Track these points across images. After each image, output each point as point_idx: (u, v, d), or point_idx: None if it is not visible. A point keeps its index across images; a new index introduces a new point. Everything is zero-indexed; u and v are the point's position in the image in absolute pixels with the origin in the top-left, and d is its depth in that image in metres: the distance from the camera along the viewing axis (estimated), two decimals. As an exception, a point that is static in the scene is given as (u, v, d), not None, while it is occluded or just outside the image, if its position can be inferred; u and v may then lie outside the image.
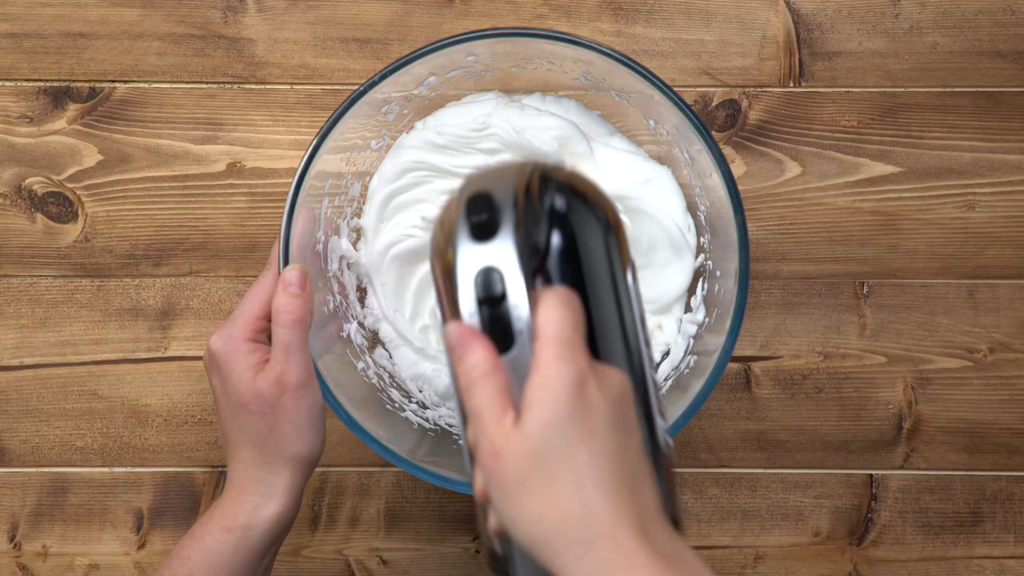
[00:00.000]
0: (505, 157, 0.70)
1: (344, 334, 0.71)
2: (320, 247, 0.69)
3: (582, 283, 0.48)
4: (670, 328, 0.72)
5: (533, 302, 0.46)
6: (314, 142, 0.64)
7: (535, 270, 0.47)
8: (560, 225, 0.48)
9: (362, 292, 0.75)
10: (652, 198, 0.71)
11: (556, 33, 0.64)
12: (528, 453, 0.44)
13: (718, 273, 0.68)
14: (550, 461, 0.44)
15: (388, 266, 0.72)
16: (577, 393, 0.44)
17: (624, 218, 0.70)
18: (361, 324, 0.74)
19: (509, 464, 0.44)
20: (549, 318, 0.45)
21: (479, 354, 0.46)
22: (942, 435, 0.80)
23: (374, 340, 0.75)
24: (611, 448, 0.45)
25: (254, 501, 0.63)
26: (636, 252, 0.71)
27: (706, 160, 0.65)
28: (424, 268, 0.72)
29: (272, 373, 0.61)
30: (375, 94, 0.65)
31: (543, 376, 0.45)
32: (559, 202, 0.48)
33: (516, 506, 0.44)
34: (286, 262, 0.64)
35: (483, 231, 0.47)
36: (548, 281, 0.47)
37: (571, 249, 0.48)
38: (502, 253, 0.46)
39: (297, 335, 0.61)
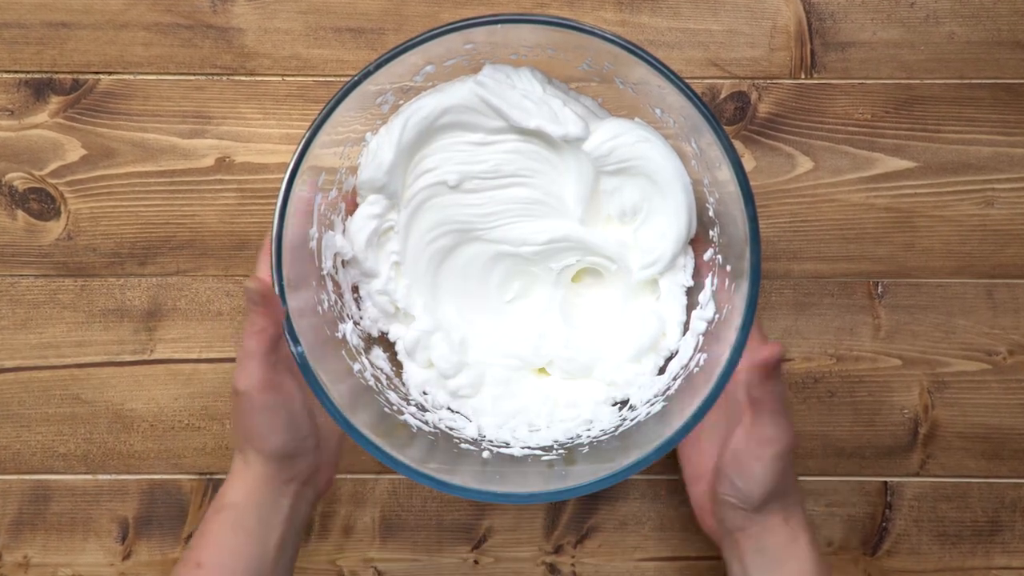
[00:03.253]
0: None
1: (339, 334, 0.69)
2: (313, 244, 0.67)
3: None
4: (673, 312, 0.71)
5: None
6: (307, 135, 0.61)
7: None
8: None
9: (357, 291, 0.72)
10: (643, 151, 0.69)
11: (556, 19, 0.61)
12: None
13: (728, 268, 0.66)
14: None
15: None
16: None
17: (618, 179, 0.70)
18: (357, 324, 0.71)
19: None
20: None
21: None
22: (959, 441, 0.77)
23: (370, 341, 0.72)
24: None
25: (228, 483, 0.65)
26: (634, 213, 0.71)
27: (715, 151, 0.62)
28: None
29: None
30: (369, 85, 0.62)
31: None
32: None
33: None
34: (278, 261, 0.61)
35: None
36: None
37: None
38: None
39: (253, 344, 0.61)
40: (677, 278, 0.72)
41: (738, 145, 0.77)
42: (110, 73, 0.77)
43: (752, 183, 0.76)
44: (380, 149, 0.69)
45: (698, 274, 0.71)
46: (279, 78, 0.77)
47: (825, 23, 0.77)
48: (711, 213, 0.68)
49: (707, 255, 0.70)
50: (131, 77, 0.77)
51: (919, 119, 0.77)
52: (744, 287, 0.62)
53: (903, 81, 0.77)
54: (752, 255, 0.61)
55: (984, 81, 0.77)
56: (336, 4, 0.77)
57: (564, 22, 0.61)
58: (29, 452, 0.77)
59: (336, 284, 0.70)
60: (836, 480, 0.77)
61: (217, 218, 0.76)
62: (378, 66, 0.61)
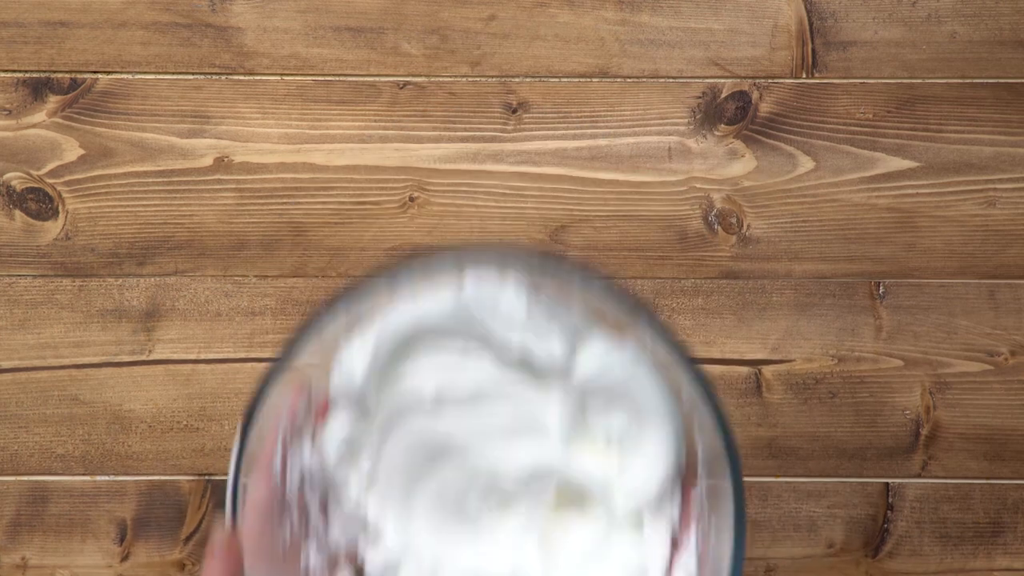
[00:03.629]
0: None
1: (303, 564, 0.64)
2: (277, 468, 0.61)
3: None
4: (655, 554, 0.67)
5: None
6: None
7: None
8: None
9: (324, 507, 0.67)
10: (633, 376, 0.66)
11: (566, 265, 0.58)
12: None
13: (713, 518, 0.63)
14: None
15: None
16: None
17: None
18: (321, 544, 0.66)
19: None
20: None
21: None
22: (961, 442, 0.77)
23: (336, 561, 0.67)
24: None
25: None
26: (621, 441, 0.66)
27: (705, 414, 0.58)
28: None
29: None
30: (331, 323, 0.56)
31: None
32: None
33: None
34: (234, 515, 0.55)
35: None
36: None
37: None
38: None
39: None
40: (662, 516, 0.68)
41: (739, 145, 0.76)
42: (108, 72, 0.76)
43: (752, 183, 0.76)
44: (353, 360, 0.65)
45: (684, 515, 0.68)
46: (278, 77, 0.76)
47: (826, 22, 0.76)
48: (699, 454, 0.65)
49: (694, 496, 0.66)
50: (129, 76, 0.76)
51: (921, 119, 0.76)
52: (727, 539, 0.58)
53: (905, 80, 0.77)
54: (736, 533, 0.57)
55: (986, 81, 0.76)
56: (335, 3, 0.76)
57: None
58: (27, 453, 0.77)
59: (301, 502, 0.65)
60: (837, 481, 0.77)
61: (216, 218, 0.76)
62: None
